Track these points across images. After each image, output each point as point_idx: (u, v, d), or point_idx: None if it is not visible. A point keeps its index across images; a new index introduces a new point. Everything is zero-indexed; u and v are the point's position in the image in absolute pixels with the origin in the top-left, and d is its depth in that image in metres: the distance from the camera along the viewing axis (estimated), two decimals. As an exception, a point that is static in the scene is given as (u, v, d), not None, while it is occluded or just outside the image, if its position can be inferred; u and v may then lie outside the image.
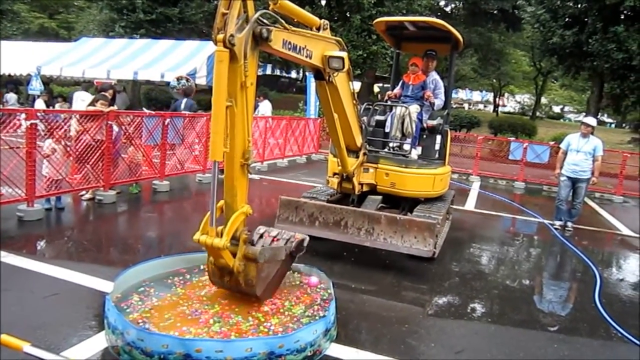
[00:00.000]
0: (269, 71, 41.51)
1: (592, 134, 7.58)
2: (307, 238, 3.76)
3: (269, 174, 10.75)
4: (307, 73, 19.22)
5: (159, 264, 4.03)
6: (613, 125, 45.00)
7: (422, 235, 4.67)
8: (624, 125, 39.92)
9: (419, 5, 21.71)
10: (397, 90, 6.48)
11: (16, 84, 19.00)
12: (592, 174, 7.48)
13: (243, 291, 3.36)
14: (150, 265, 3.94)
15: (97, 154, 6.51)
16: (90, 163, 6.46)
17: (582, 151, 7.40)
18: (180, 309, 3.37)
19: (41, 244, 5.15)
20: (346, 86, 4.52)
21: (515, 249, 6.70)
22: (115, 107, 7.09)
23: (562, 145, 7.77)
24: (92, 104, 6.83)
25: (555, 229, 7.74)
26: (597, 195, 11.94)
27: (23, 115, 5.56)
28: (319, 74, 4.09)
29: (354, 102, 4.80)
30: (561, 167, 7.70)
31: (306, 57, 3.67)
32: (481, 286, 4.93)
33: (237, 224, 3.21)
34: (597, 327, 4.16)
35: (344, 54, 3.91)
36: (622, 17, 15.15)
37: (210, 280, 3.52)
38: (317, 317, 3.37)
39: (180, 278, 3.91)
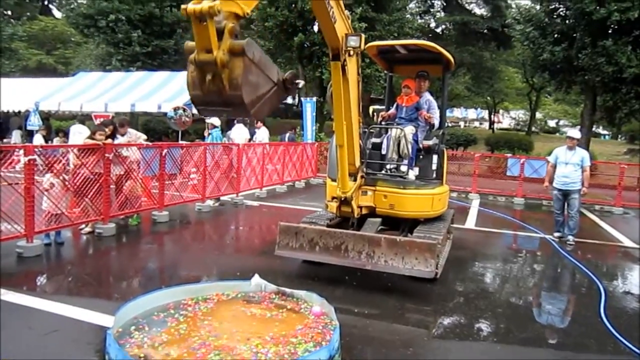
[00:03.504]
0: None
1: (578, 145, 7.79)
2: (300, 78, 3.71)
3: (268, 200, 10.75)
4: (302, 99, 19.43)
5: (159, 295, 4.00)
6: (608, 137, 45.27)
7: (423, 256, 4.65)
8: (619, 136, 40.20)
9: (410, 27, 22.12)
10: (390, 111, 6.56)
11: (5, 121, 19.33)
12: (582, 184, 7.64)
13: (227, 99, 2.89)
14: (150, 298, 3.91)
15: (96, 186, 6.52)
16: (89, 196, 6.47)
17: (571, 163, 7.62)
18: (182, 342, 3.33)
19: (41, 280, 5.12)
20: (355, 91, 4.78)
21: (518, 266, 6.66)
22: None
23: (550, 159, 8.00)
24: (90, 137, 6.86)
25: (553, 240, 7.81)
26: (597, 207, 11.94)
27: (22, 151, 5.59)
28: (335, 56, 4.35)
29: (359, 117, 4.99)
30: (551, 181, 7.93)
31: (331, 17, 3.97)
32: (485, 305, 4.89)
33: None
34: (604, 342, 4.11)
35: (362, 34, 4.35)
36: (610, 31, 15.40)
37: (191, 97, 3.02)
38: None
39: (165, 314, 3.80)
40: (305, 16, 19.22)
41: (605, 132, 45.99)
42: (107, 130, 6.93)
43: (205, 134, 10.59)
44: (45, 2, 42.72)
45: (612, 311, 4.81)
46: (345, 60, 4.38)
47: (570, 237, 7.73)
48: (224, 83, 2.82)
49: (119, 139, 7.51)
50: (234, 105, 2.91)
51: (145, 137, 8.31)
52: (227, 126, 14.22)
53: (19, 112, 17.96)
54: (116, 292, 4.87)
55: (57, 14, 38.25)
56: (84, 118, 13.78)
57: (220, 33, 2.77)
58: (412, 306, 4.71)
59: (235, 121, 12.05)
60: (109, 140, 6.84)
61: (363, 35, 4.40)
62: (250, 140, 12.35)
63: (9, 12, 30.37)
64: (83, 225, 6.75)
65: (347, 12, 4.39)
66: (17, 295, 4.34)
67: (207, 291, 4.27)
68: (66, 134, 13.15)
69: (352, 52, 4.45)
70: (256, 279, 4.41)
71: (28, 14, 36.18)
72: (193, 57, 2.83)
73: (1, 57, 22.69)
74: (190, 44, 2.84)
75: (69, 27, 28.51)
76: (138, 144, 7.54)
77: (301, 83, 3.53)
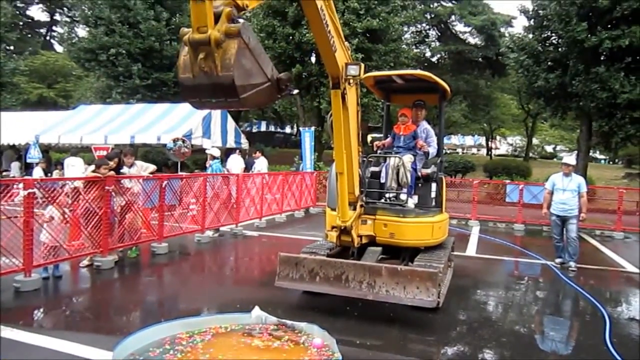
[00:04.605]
0: (263, 128, 42.25)
1: (574, 172, 7.95)
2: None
3: (267, 230, 10.72)
4: (300, 128, 19.60)
5: (158, 330, 3.95)
6: (604, 162, 45.51)
7: (424, 285, 4.61)
8: (616, 160, 40.41)
9: (406, 57, 22.50)
10: (386, 140, 6.62)
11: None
12: (580, 210, 7.71)
13: (217, 80, 2.77)
14: (149, 332, 3.86)
15: (96, 219, 6.50)
16: (88, 229, 6.45)
17: (568, 189, 7.72)
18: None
19: (38, 315, 5.05)
20: (355, 119, 4.89)
21: (520, 293, 6.60)
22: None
23: (548, 186, 8.10)
24: (94, 170, 6.87)
25: (555, 266, 7.81)
26: (598, 232, 11.91)
27: (21, 185, 5.61)
28: (335, 85, 4.47)
29: (359, 145, 5.07)
30: (549, 207, 8.00)
31: (332, 47, 4.09)
32: (489, 334, 4.83)
33: None
34: (611, 371, 4.05)
35: (361, 64, 4.45)
36: (602, 58, 15.69)
37: (180, 81, 2.90)
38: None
39: (161, 350, 3.73)
40: (302, 48, 19.60)
41: (602, 156, 46.25)
42: (111, 163, 6.95)
43: (207, 164, 10.66)
44: (47, 37, 43.61)
45: (617, 338, 4.75)
46: (345, 89, 4.48)
47: (572, 263, 7.69)
48: (215, 63, 2.73)
49: (125, 169, 7.52)
50: (223, 88, 2.77)
51: (154, 167, 8.28)
52: (225, 156, 14.30)
53: (14, 145, 18.02)
54: (115, 327, 4.79)
55: (59, 48, 38.98)
56: (78, 150, 13.86)
57: (217, 18, 2.76)
58: (414, 336, 4.65)
59: (233, 152, 12.12)
60: (112, 173, 6.86)
61: (362, 65, 4.50)
62: (246, 169, 12.39)
63: (12, 47, 30.90)
64: (82, 259, 6.71)
65: (347, 44, 4.51)
66: (14, 331, 4.28)
67: (207, 324, 4.22)
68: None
69: (351, 81, 4.55)
70: (256, 311, 4.37)
71: (30, 48, 36.78)
72: (187, 37, 2.76)
73: (3, 91, 22.98)
74: (185, 30, 2.82)
75: (70, 61, 28.96)
76: (139, 176, 7.55)
77: (295, 90, 3.46)
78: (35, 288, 5.58)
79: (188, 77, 2.84)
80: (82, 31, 24.88)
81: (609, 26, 15.11)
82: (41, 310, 5.21)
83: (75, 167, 11.72)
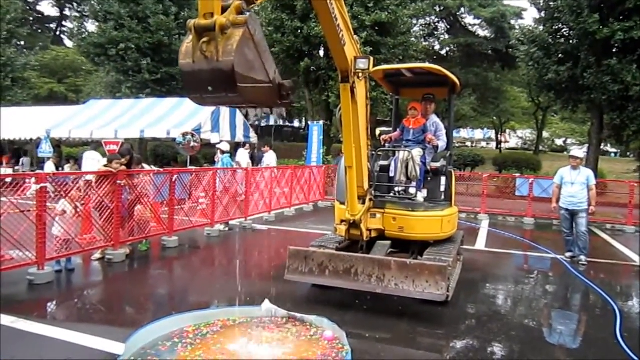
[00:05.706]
0: (272, 122, 42.34)
1: (584, 165, 7.90)
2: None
3: (276, 223, 10.75)
4: (309, 122, 19.60)
5: (168, 322, 3.99)
6: (614, 155, 45.00)
7: (433, 279, 4.61)
8: (628, 154, 39.93)
9: (415, 50, 22.35)
10: (393, 133, 6.61)
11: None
12: (589, 204, 7.67)
13: (217, 67, 2.65)
14: (160, 325, 3.91)
15: (107, 213, 6.57)
16: (100, 222, 6.52)
17: (577, 183, 7.68)
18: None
19: (52, 308, 5.13)
20: (364, 113, 4.88)
21: (530, 287, 6.57)
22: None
23: (556, 180, 8.07)
24: (107, 165, 6.93)
25: (566, 260, 7.77)
26: (609, 226, 11.81)
27: (33, 179, 5.67)
28: (344, 79, 4.46)
29: (368, 139, 5.06)
30: (558, 201, 7.97)
31: (341, 40, 4.09)
32: (498, 328, 4.82)
33: None
34: (621, 366, 4.03)
35: (370, 57, 4.43)
36: (614, 50, 15.46)
37: (180, 66, 2.77)
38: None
39: (171, 343, 3.78)
40: (311, 41, 19.54)
41: (613, 150, 45.74)
42: (123, 160, 7.03)
43: (216, 159, 10.71)
44: (57, 33, 43.88)
45: (628, 332, 4.73)
46: (354, 82, 4.46)
47: (583, 257, 7.64)
48: (218, 48, 2.63)
49: None
50: (222, 74, 2.65)
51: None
52: (234, 150, 14.35)
53: (30, 139, 18.24)
54: (126, 319, 4.86)
55: (69, 43, 39.23)
56: (97, 145, 13.99)
57: (225, 11, 2.71)
58: (424, 330, 4.66)
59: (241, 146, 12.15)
60: (123, 168, 6.93)
61: (371, 58, 4.48)
62: (254, 163, 12.43)
63: (22, 43, 31.16)
64: (94, 252, 6.79)
65: (356, 37, 4.50)
66: (28, 323, 4.36)
67: (217, 317, 4.26)
68: (77, 161, 13.35)
69: (360, 75, 4.54)
70: (266, 304, 4.40)
71: (40, 44, 37.10)
72: (192, 23, 2.68)
73: (14, 87, 23.21)
74: (192, 20, 2.73)
75: (80, 56, 29.17)
76: (149, 170, 7.61)
77: (291, 96, 3.36)
78: (49, 281, 5.66)
79: (188, 62, 2.73)
80: (91, 26, 25.01)
81: (622, 18, 14.87)
82: (54, 302, 5.29)
83: (93, 161, 11.87)
